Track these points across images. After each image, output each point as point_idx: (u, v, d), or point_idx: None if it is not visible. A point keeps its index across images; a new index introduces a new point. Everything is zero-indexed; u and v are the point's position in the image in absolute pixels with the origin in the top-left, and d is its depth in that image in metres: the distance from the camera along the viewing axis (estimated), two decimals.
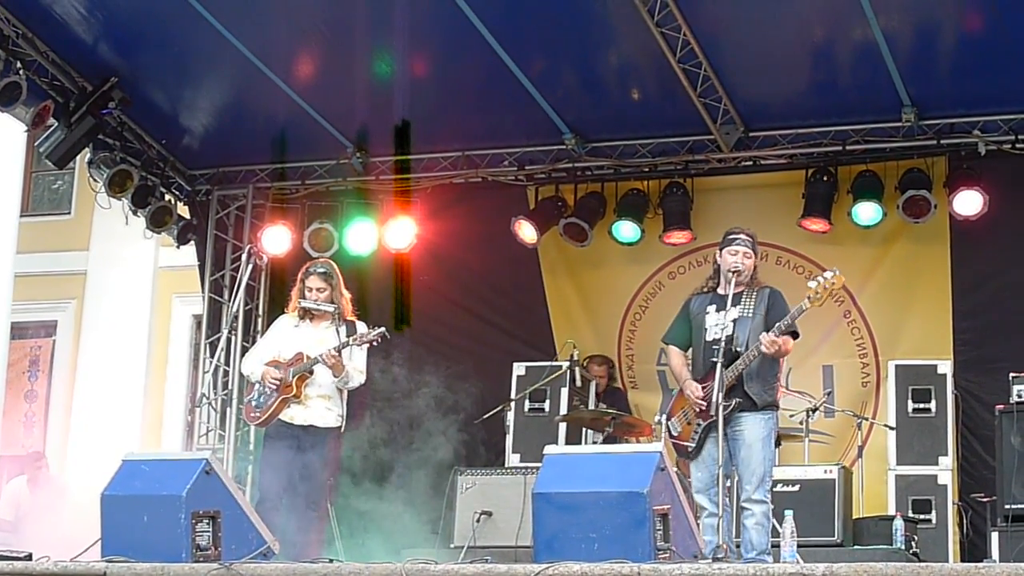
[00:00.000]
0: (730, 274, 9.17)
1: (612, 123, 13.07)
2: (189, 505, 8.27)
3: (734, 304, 9.14)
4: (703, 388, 9.10)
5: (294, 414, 10.02)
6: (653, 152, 13.21)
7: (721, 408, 8.84)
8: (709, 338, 9.14)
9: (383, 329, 10.00)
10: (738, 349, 9.03)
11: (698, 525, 8.83)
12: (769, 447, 9.05)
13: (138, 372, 19.17)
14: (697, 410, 9.13)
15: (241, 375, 11.08)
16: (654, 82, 12.32)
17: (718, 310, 9.19)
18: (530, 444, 12.35)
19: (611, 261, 13.63)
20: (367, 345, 10.08)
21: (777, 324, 9.00)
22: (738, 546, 9.04)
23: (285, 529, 9.88)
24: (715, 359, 8.96)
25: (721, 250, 9.34)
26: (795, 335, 9.16)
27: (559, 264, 13.77)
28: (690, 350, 9.41)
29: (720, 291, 9.24)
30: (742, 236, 9.29)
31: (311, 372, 9.99)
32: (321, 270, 10.23)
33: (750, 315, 9.12)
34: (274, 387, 9.99)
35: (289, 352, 10.10)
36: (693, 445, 9.16)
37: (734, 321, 9.10)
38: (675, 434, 9.33)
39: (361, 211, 13.79)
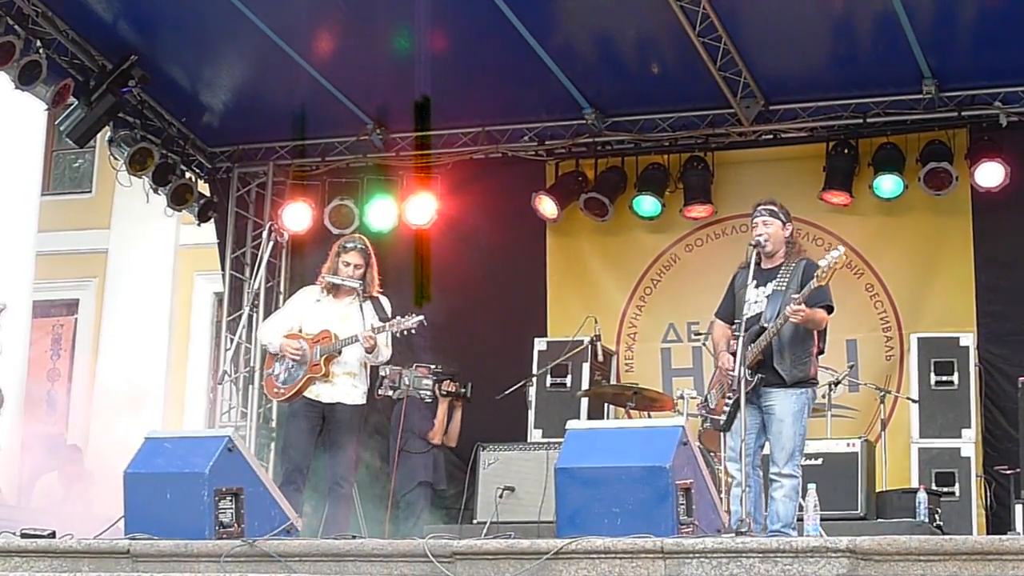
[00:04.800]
0: (753, 247, 9.14)
1: (632, 97, 13.04)
2: (212, 482, 8.28)
3: (771, 278, 9.15)
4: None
5: (320, 391, 9.99)
6: (673, 126, 13.18)
7: (744, 383, 8.83)
8: (746, 313, 9.11)
9: (421, 317, 9.93)
10: (764, 324, 9.00)
11: (724, 496, 8.84)
12: (801, 422, 9.01)
13: (160, 350, 19.19)
14: (729, 383, 9.13)
15: (263, 351, 11.05)
16: (674, 56, 12.28)
17: (757, 286, 9.17)
18: (552, 419, 12.33)
19: (627, 234, 13.59)
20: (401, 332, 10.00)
21: (793, 296, 8.95)
22: (765, 518, 9.03)
23: (309, 506, 9.91)
24: (740, 334, 8.94)
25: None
26: (830, 309, 9.11)
27: (571, 240, 13.74)
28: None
29: (762, 265, 9.22)
30: (760, 207, 9.29)
31: (339, 352, 9.97)
32: (360, 246, 10.15)
33: (783, 288, 9.08)
34: (297, 360, 9.97)
35: (313, 327, 10.05)
36: (724, 418, 9.17)
37: (768, 296, 9.10)
38: (712, 407, 9.36)
39: (381, 187, 13.79)
